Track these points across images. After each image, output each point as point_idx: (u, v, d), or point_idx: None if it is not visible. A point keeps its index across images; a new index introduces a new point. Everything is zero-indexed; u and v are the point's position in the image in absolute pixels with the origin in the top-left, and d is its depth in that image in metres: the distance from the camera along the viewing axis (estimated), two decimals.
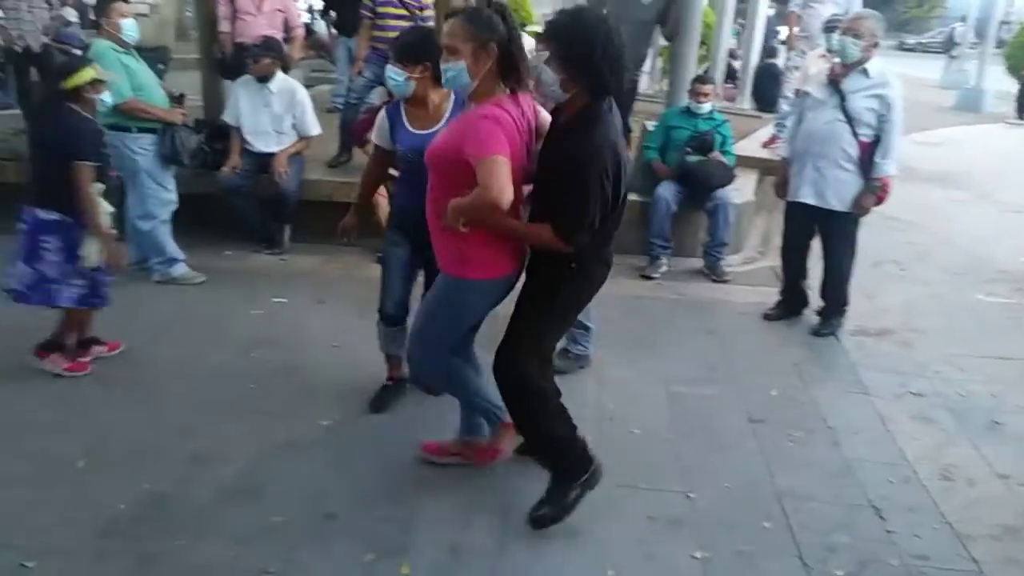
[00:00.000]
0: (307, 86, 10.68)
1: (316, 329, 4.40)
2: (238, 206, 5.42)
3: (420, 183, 2.74)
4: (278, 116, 5.45)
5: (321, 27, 12.68)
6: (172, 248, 4.94)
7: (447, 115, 3.12)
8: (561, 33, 2.48)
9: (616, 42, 2.40)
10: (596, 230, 2.52)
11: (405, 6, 5.73)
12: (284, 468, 3.14)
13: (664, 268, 5.49)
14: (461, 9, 2.59)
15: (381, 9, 5.77)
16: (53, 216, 3.53)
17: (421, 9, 5.76)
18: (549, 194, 2.54)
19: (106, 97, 3.69)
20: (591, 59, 2.37)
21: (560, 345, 3.63)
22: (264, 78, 5.33)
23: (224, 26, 6.33)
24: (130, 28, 4.58)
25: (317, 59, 11.98)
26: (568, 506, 2.78)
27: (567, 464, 2.81)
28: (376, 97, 6.34)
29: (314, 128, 5.60)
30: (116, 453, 3.19)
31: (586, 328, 3.93)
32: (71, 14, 12.07)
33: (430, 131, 3.03)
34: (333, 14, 9.07)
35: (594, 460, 2.82)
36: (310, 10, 12.88)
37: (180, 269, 4.97)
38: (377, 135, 3.36)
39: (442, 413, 3.38)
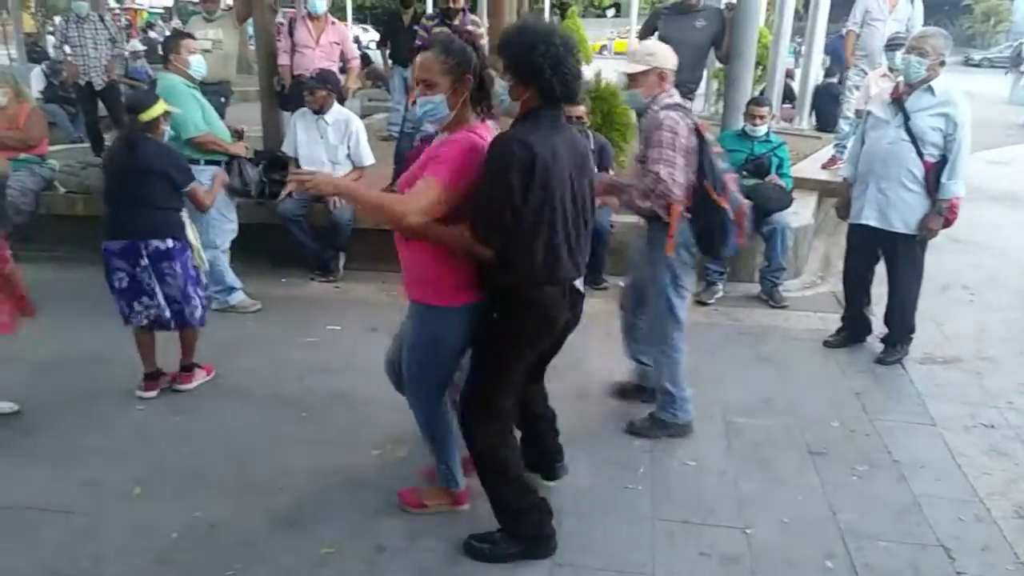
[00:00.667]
0: (363, 115, 10.93)
1: (369, 357, 4.39)
2: (294, 234, 5.52)
3: None
4: (333, 146, 5.55)
5: (377, 57, 12.97)
6: (231, 277, 5.05)
7: None
8: (508, 40, 2.49)
9: (560, 47, 2.41)
10: (519, 249, 2.44)
11: (459, 34, 5.78)
12: (335, 498, 3.14)
13: (719, 294, 5.38)
14: (433, 43, 2.59)
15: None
16: (169, 244, 3.73)
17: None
18: None
19: (170, 130, 3.88)
20: (534, 60, 2.39)
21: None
22: (320, 109, 5.44)
23: (283, 59, 6.51)
24: (198, 64, 4.76)
25: (373, 88, 12.24)
26: (504, 558, 2.77)
27: (518, 529, 2.79)
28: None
29: (368, 158, 5.68)
30: (171, 481, 3.24)
31: (671, 394, 3.60)
32: (138, 46, 12.61)
33: None
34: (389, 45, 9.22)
35: (548, 538, 2.80)
36: (356, 40, 13.15)
37: (238, 297, 5.07)
38: None
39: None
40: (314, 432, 3.65)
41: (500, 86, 2.54)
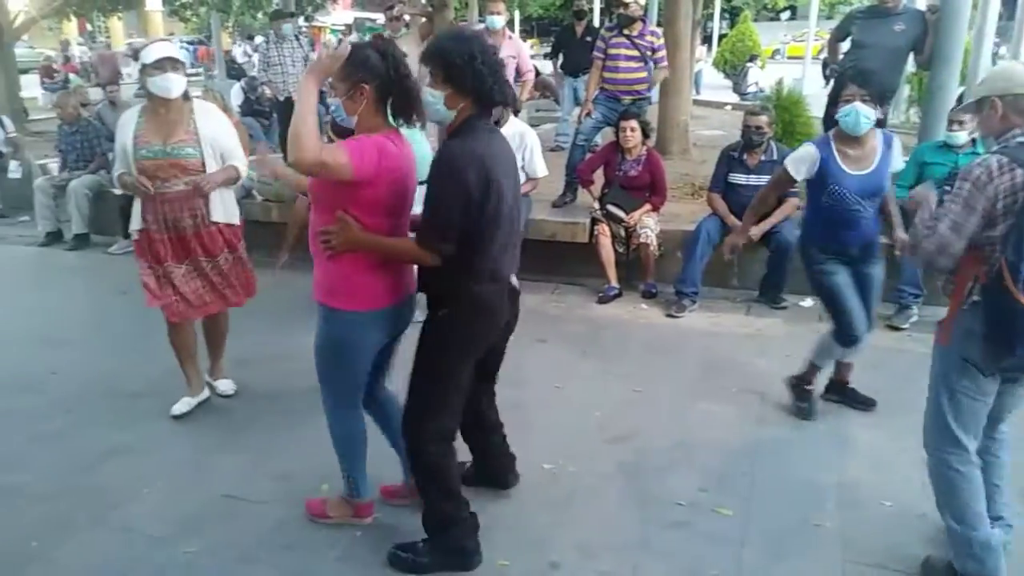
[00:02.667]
0: (531, 125, 11.05)
1: (538, 368, 4.43)
2: None
3: (850, 217, 3.51)
4: None
5: (547, 67, 13.11)
6: None
7: (878, 157, 3.53)
8: (438, 51, 2.45)
9: (491, 54, 2.42)
10: (472, 250, 2.45)
11: (637, 47, 5.72)
12: (508, 511, 3.15)
13: (914, 318, 4.97)
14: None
15: (613, 51, 5.81)
16: None
17: (653, 51, 5.72)
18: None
19: None
20: (471, 68, 2.37)
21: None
22: (497, 123, 5.53)
23: None
24: None
25: (542, 98, 12.39)
26: (425, 568, 2.76)
27: (445, 541, 2.78)
28: (602, 138, 6.40)
29: (542, 169, 5.71)
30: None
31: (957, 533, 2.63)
32: None
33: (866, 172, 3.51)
34: (560, 56, 9.29)
35: (473, 552, 2.79)
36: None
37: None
38: (796, 167, 3.62)
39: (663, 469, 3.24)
40: None
41: (430, 95, 2.47)
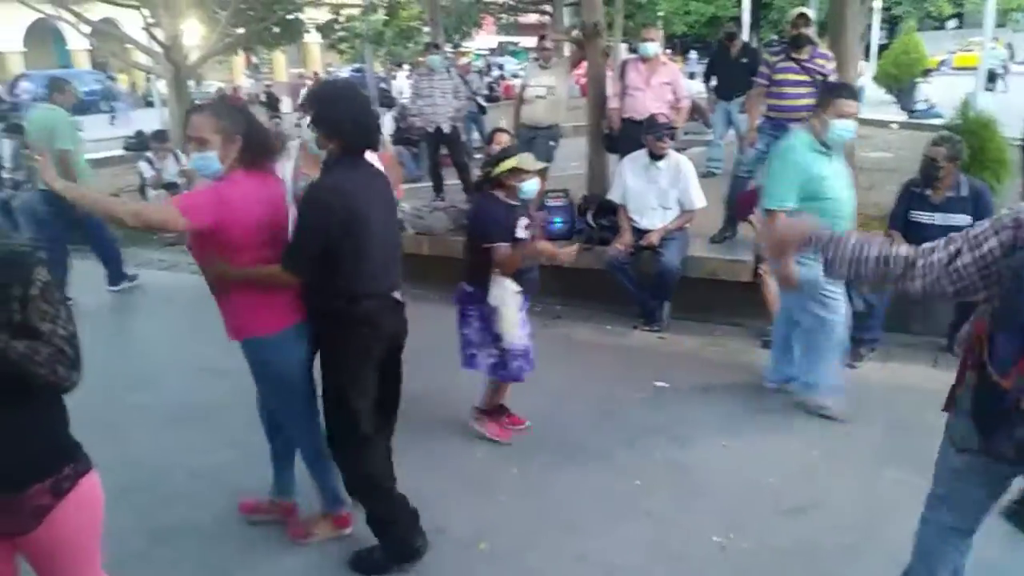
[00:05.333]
0: (678, 149, 10.68)
1: (702, 422, 4.13)
2: (619, 281, 5.42)
3: None
4: (664, 191, 5.37)
5: (697, 88, 12.69)
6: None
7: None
8: (313, 99, 2.96)
9: (360, 103, 2.81)
10: (341, 273, 2.73)
11: (807, 71, 5.31)
12: None
13: None
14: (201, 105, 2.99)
15: (779, 76, 5.42)
16: (472, 290, 3.80)
17: (824, 75, 5.29)
18: None
19: (529, 185, 3.78)
20: (336, 118, 2.72)
21: None
22: (658, 156, 5.30)
23: (613, 102, 6.50)
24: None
25: (690, 121, 11.95)
26: (379, 566, 3.02)
27: (389, 538, 3.02)
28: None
29: (699, 200, 5.43)
30: (511, 538, 3.22)
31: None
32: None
33: None
34: (714, 79, 8.92)
35: (414, 542, 3.03)
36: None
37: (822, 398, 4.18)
38: None
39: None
40: (650, 504, 3.43)
41: (309, 136, 2.96)
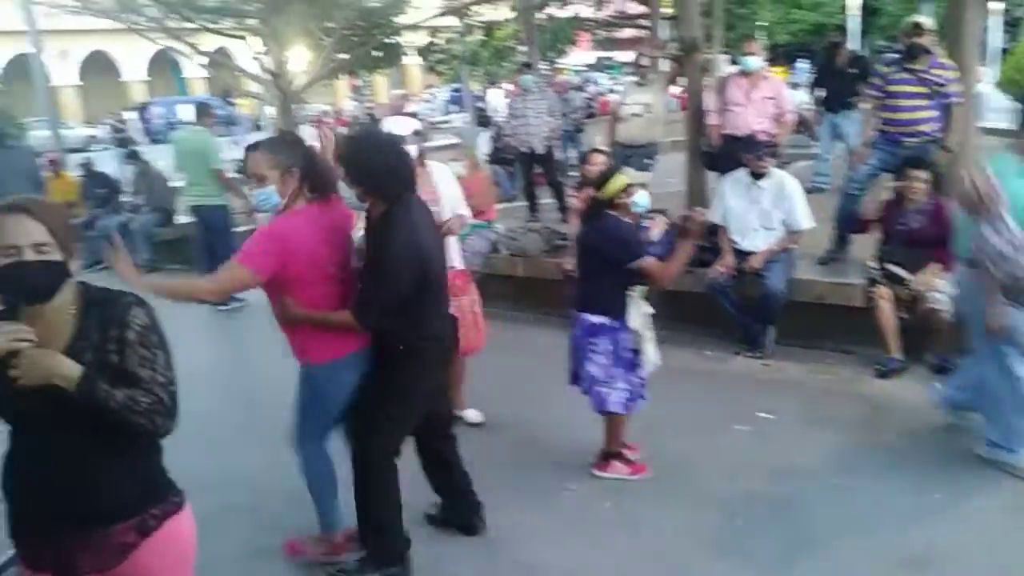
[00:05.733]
0: (782, 163, 10.29)
1: (810, 457, 3.89)
2: (720, 305, 5.21)
3: None
4: (767, 211, 5.14)
5: (802, 98, 12.23)
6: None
7: None
8: (346, 159, 2.87)
9: (390, 151, 2.84)
10: (410, 312, 2.85)
11: (924, 82, 4.98)
12: None
13: None
14: (258, 142, 3.00)
15: (894, 88, 5.11)
16: (601, 320, 3.62)
17: (942, 85, 4.95)
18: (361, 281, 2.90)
19: (640, 199, 3.66)
20: (370, 172, 2.79)
21: None
22: (759, 175, 5.08)
23: (712, 118, 6.31)
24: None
25: (796, 134, 11.49)
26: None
27: (380, 547, 3.03)
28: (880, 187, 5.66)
29: (806, 220, 5.16)
30: None
31: None
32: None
33: None
34: (820, 90, 8.56)
35: (406, 560, 3.05)
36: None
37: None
38: None
39: None
40: (752, 546, 3.23)
41: (347, 191, 2.93)
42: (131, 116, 27.54)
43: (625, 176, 3.61)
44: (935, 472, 3.66)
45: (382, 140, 2.97)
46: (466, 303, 4.14)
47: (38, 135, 15.50)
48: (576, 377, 3.76)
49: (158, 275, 8.63)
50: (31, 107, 13.32)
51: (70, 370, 1.69)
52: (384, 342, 2.95)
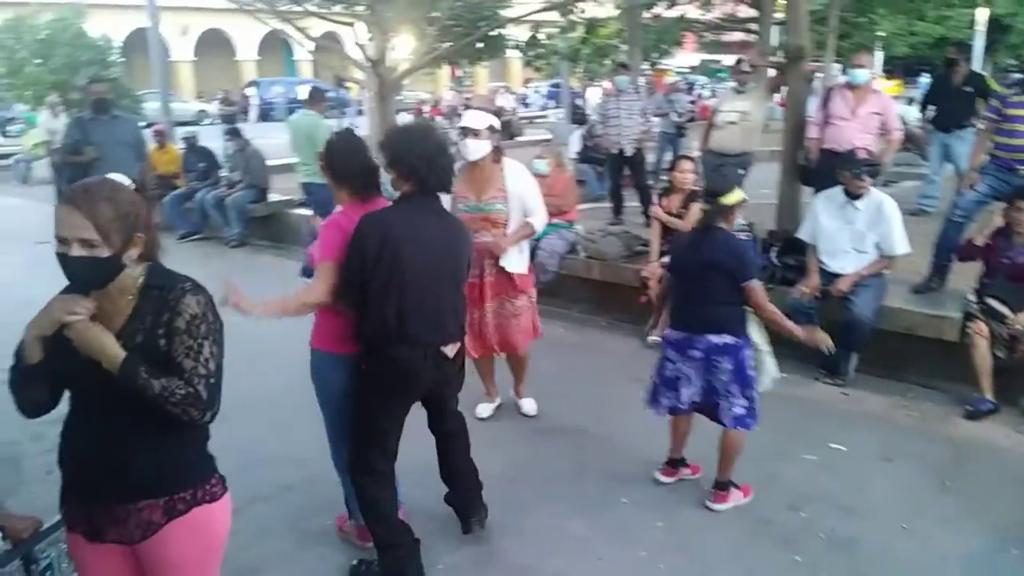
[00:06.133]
0: (887, 182, 9.82)
1: (880, 497, 3.68)
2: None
3: None
4: (860, 233, 4.88)
5: (912, 115, 11.63)
6: None
7: None
8: (386, 144, 2.92)
9: (433, 145, 2.85)
10: (369, 303, 2.78)
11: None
12: None
13: None
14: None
15: (1012, 111, 4.77)
16: (725, 340, 3.44)
17: None
18: None
19: (738, 220, 3.64)
20: (410, 161, 2.80)
21: None
22: (857, 195, 4.83)
23: (813, 132, 6.06)
24: None
25: (903, 151, 10.92)
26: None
27: (389, 560, 2.99)
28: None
29: (902, 246, 4.87)
30: None
31: None
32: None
33: None
34: (932, 108, 8.10)
35: (416, 569, 3.01)
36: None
37: None
38: None
39: None
40: None
41: (385, 178, 2.95)
42: (251, 92, 28.77)
43: (740, 193, 3.53)
44: (1016, 527, 3.40)
45: (426, 133, 2.96)
46: (522, 302, 4.20)
47: (151, 107, 16.26)
48: (656, 402, 3.64)
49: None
50: (147, 80, 13.98)
51: (113, 352, 1.73)
52: (361, 344, 2.89)
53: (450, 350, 2.96)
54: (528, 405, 4.56)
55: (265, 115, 27.52)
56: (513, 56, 23.08)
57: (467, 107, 20.45)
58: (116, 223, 1.74)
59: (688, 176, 5.68)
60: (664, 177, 7.85)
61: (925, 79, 20.58)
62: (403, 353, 2.83)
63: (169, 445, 1.88)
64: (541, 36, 17.07)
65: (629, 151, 7.92)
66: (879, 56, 23.47)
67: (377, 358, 2.85)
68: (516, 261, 4.11)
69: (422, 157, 2.80)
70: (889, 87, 29.74)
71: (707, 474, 3.77)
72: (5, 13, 16.66)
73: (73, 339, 1.73)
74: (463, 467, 3.31)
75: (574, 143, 11.25)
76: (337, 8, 12.36)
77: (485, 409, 4.53)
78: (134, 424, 1.82)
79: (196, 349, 1.81)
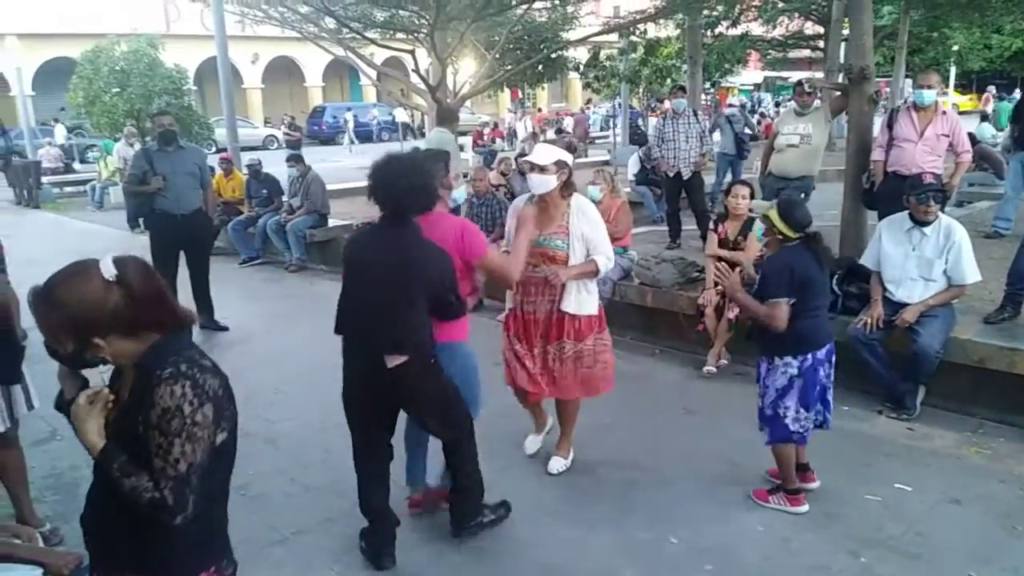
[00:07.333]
0: (960, 202, 9.44)
1: (948, 540, 3.47)
2: (863, 358, 4.78)
3: None
4: (928, 260, 4.67)
5: (986, 132, 11.19)
6: None
7: None
8: (369, 175, 3.18)
9: (416, 171, 3.18)
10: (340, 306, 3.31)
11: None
12: None
13: None
14: None
15: None
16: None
17: None
18: None
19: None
20: (387, 187, 3.13)
21: None
22: (925, 221, 4.63)
23: (877, 154, 5.86)
24: None
25: (980, 171, 10.45)
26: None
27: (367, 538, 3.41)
28: None
29: (971, 274, 4.64)
30: None
31: None
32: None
33: None
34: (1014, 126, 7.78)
35: (378, 552, 3.37)
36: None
37: None
38: None
39: None
40: None
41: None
42: (349, 116, 29.81)
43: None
44: None
45: (408, 162, 3.25)
46: (588, 345, 3.95)
47: (222, 133, 16.84)
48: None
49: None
50: (218, 107, 14.46)
51: (92, 440, 1.74)
52: None
53: (392, 363, 3.11)
54: (556, 464, 4.17)
55: (367, 136, 29.54)
56: (574, 77, 23.14)
57: (527, 131, 20.56)
58: (64, 329, 1.68)
59: (742, 202, 5.51)
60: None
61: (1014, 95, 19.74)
62: (345, 345, 3.30)
63: (153, 529, 1.75)
64: (602, 57, 17.07)
65: (686, 174, 7.80)
66: (952, 71, 22.65)
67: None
68: (576, 302, 3.87)
69: (392, 188, 3.11)
70: (963, 102, 28.77)
71: (776, 514, 3.62)
72: (85, 45, 17.48)
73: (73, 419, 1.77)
74: (457, 465, 3.51)
75: (632, 165, 11.16)
76: (399, 36, 12.62)
77: (533, 444, 4.37)
78: (123, 505, 1.75)
79: (165, 448, 1.67)
